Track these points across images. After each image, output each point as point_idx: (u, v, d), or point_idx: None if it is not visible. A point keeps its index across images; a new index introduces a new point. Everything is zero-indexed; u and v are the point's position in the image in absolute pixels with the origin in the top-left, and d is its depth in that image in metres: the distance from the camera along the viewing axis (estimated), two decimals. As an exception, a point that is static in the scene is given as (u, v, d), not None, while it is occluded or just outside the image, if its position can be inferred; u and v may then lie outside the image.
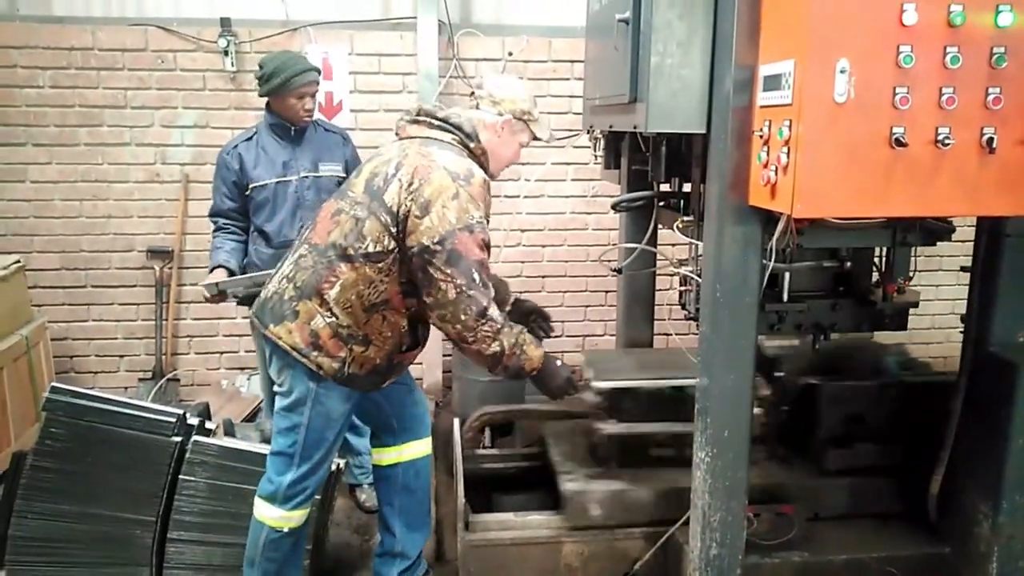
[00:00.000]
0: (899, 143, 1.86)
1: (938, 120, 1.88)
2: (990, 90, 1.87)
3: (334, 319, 2.38)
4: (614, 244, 4.38)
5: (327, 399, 2.45)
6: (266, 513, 2.54)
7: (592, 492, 2.91)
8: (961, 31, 1.84)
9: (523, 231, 5.00)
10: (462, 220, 2.29)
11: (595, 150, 3.53)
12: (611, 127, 2.96)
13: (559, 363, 2.60)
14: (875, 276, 2.93)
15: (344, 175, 3.33)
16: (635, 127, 2.49)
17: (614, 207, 3.26)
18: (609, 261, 3.62)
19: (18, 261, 4.16)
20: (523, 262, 5.05)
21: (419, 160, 2.38)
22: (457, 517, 2.91)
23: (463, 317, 2.32)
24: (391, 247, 2.35)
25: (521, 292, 4.83)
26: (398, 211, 2.33)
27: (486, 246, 2.38)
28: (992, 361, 2.46)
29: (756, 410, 2.62)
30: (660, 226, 3.22)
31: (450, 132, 2.51)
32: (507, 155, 2.63)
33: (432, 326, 2.53)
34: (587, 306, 5.16)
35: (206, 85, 4.64)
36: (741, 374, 2.29)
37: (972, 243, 2.55)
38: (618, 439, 3.04)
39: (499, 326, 2.39)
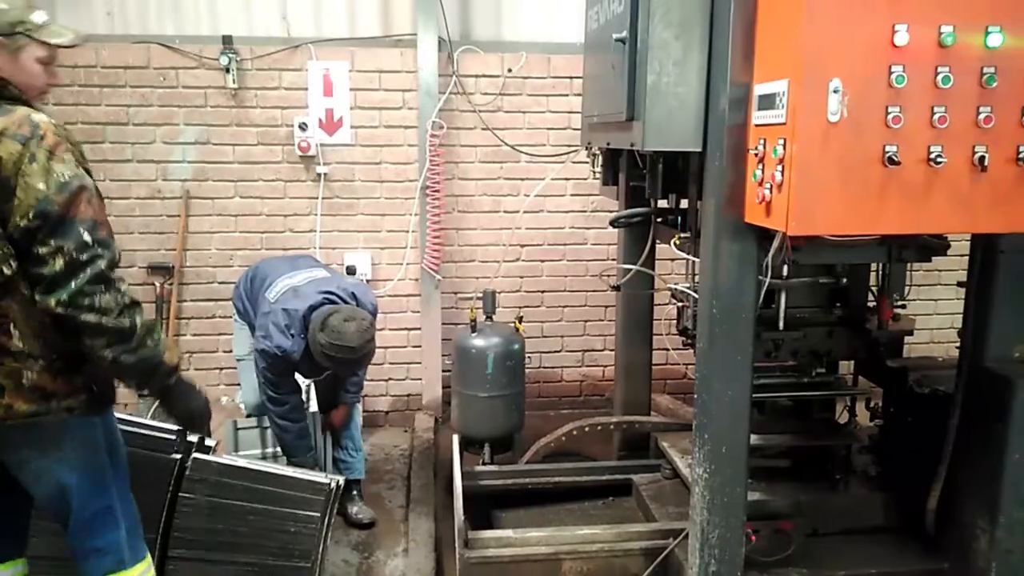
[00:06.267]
0: (892, 161, 1.89)
1: (930, 139, 1.90)
2: (981, 109, 1.90)
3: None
4: (613, 259, 4.41)
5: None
6: None
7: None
8: (952, 52, 1.87)
9: (522, 246, 5.02)
10: (52, 182, 1.92)
11: (593, 166, 3.56)
12: (609, 144, 2.99)
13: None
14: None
15: None
16: (632, 145, 2.51)
17: (612, 223, 3.29)
18: (609, 276, 3.64)
19: (20, 277, 4.18)
20: (522, 277, 5.07)
21: None
22: (456, 535, 2.91)
23: (73, 283, 1.93)
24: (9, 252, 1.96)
25: (521, 307, 4.89)
26: None
27: (99, 199, 2.04)
28: (988, 376, 2.47)
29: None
30: (658, 242, 3.24)
31: None
32: (28, 82, 2.11)
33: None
34: (587, 321, 5.17)
35: (207, 102, 4.67)
36: (739, 390, 2.30)
37: (968, 257, 2.57)
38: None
39: (128, 300, 2.02)
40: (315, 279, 3.54)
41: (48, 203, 1.91)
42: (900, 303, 2.91)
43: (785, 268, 2.47)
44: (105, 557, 2.21)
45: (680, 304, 2.99)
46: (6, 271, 1.95)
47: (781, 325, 2.66)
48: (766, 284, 2.27)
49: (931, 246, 2.55)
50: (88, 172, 2.04)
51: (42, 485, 2.15)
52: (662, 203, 3.06)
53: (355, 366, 3.41)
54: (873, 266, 2.91)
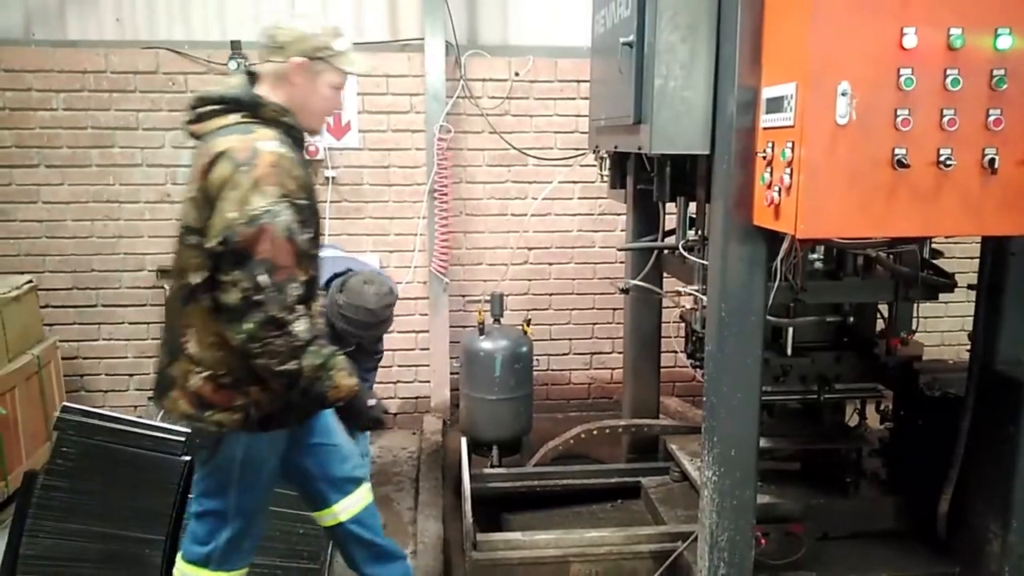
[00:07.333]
0: (901, 164, 1.88)
1: (940, 141, 1.90)
2: (991, 111, 1.89)
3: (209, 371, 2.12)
4: (621, 262, 4.41)
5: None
6: None
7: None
8: (961, 54, 1.86)
9: (530, 249, 5.02)
10: (243, 213, 1.95)
11: (601, 169, 3.55)
12: (616, 147, 2.99)
13: (373, 401, 2.31)
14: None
15: None
16: (639, 148, 2.51)
17: (621, 251, 3.30)
18: (617, 279, 3.64)
19: (30, 281, 4.21)
20: (530, 280, 5.06)
21: (201, 160, 2.07)
22: (464, 537, 2.92)
23: (246, 326, 1.97)
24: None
25: (529, 310, 4.90)
26: (194, 226, 2.05)
27: (285, 240, 1.99)
28: (999, 379, 2.46)
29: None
30: (664, 275, 3.25)
31: (230, 112, 2.15)
32: (319, 105, 2.21)
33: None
34: (595, 323, 5.16)
35: (216, 107, 4.69)
36: (748, 393, 2.30)
37: (978, 260, 2.55)
38: None
39: (299, 342, 2.02)
40: (337, 256, 3.57)
41: (233, 232, 1.95)
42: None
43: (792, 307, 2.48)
44: (197, 546, 2.29)
45: (687, 325, 2.99)
46: (194, 280, 2.05)
47: (789, 351, 2.68)
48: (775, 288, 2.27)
49: (937, 285, 2.56)
50: (302, 206, 2.05)
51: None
52: (670, 221, 3.06)
53: (371, 330, 3.33)
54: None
